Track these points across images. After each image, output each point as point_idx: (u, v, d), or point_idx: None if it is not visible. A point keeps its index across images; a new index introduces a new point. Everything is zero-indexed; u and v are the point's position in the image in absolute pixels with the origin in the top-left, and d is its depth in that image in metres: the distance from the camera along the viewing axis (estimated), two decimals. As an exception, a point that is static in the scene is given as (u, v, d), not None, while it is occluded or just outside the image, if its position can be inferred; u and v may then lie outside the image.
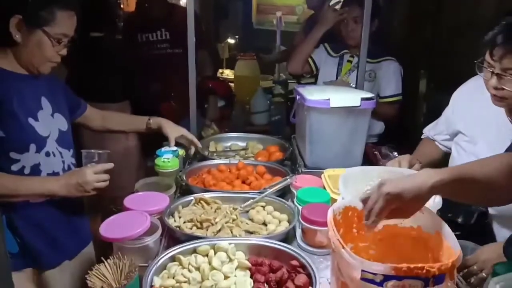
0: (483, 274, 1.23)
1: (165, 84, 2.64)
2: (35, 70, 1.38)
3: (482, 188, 1.01)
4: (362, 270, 0.86)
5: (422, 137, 1.78)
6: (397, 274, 0.85)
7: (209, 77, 2.96)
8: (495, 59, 1.20)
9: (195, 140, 1.84)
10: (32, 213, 1.39)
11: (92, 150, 1.45)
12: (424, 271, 0.85)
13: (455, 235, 1.22)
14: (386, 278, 0.86)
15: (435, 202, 1.19)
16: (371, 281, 0.87)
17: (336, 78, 2.42)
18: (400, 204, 0.94)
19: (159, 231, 1.26)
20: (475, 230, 1.40)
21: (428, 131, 1.75)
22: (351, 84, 2.27)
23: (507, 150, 1.30)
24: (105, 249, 1.26)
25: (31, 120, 1.36)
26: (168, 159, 1.63)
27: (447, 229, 1.02)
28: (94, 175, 1.36)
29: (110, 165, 1.42)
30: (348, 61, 2.41)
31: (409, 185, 0.93)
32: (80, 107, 1.67)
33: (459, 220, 1.42)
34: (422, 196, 0.95)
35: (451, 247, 0.97)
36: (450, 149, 1.64)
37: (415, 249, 1.09)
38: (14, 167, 1.34)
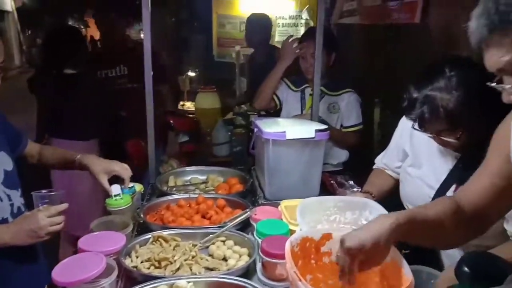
0: None
1: (130, 120, 2.63)
2: None
3: (433, 229, 1.04)
4: (319, 303, 0.87)
5: (374, 167, 1.81)
6: (353, 304, 0.86)
7: (170, 112, 2.97)
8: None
9: (126, 178, 1.64)
10: None
11: (43, 191, 1.39)
12: (379, 299, 0.87)
13: (405, 253, 1.27)
14: (342, 309, 0.87)
15: (388, 230, 1.23)
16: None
17: (301, 112, 2.51)
18: (366, 254, 0.94)
19: (115, 273, 1.21)
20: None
21: (380, 160, 1.78)
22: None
23: (445, 180, 1.37)
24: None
25: None
26: (119, 196, 1.58)
27: (400, 257, 1.05)
28: (47, 218, 1.28)
29: (64, 206, 1.35)
30: (310, 94, 2.49)
31: (368, 235, 0.93)
32: (22, 142, 1.57)
33: None
34: (384, 242, 0.94)
35: (405, 273, 1.00)
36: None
37: (372, 278, 1.11)
38: None
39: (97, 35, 4.68)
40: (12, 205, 1.39)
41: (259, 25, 3.32)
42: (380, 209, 1.34)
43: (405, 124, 1.60)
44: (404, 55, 2.64)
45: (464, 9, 2.17)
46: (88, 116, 2.61)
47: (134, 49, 2.83)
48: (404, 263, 1.03)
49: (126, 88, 2.90)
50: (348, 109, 2.45)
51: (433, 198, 1.43)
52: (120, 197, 1.57)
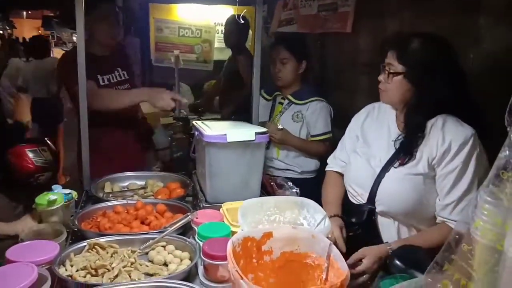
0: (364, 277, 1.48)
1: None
2: None
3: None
4: (260, 299, 0.89)
5: (327, 169, 1.91)
6: (292, 298, 0.89)
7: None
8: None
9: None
10: None
11: None
12: (316, 292, 0.90)
13: (351, 230, 1.63)
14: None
15: (324, 227, 1.28)
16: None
17: (269, 119, 2.51)
18: None
19: (49, 283, 1.15)
20: (366, 225, 1.62)
21: (332, 159, 1.89)
22: (279, 126, 2.38)
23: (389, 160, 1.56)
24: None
25: None
26: (51, 196, 1.50)
27: (336, 252, 1.09)
28: None
29: None
30: (280, 103, 2.51)
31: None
32: None
33: (353, 219, 1.65)
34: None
35: (340, 267, 1.04)
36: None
37: (310, 273, 1.15)
38: None
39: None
40: None
41: (237, 27, 3.32)
42: (317, 208, 1.40)
43: (355, 119, 1.78)
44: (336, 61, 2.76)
45: (388, 19, 2.36)
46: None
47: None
48: (339, 257, 1.07)
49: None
50: (313, 117, 2.41)
51: (378, 175, 1.58)
52: (52, 197, 1.49)
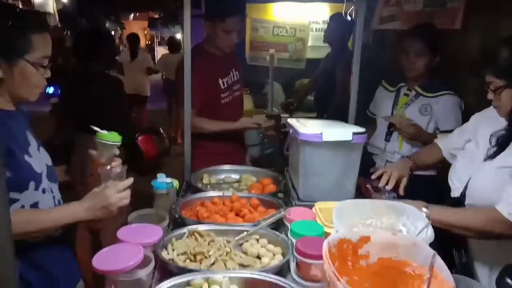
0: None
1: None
2: (24, 100, 1.35)
3: None
4: (358, 303, 0.87)
5: (435, 140, 1.95)
6: (392, 306, 0.85)
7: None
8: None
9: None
10: (31, 255, 1.35)
11: (108, 167, 1.42)
12: (418, 304, 0.85)
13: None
14: (382, 310, 0.86)
15: (427, 236, 1.21)
16: (367, 314, 0.87)
17: (392, 112, 2.40)
18: None
19: (152, 264, 1.24)
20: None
21: (440, 141, 1.91)
22: (409, 119, 2.27)
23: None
24: (97, 281, 1.24)
25: (26, 157, 1.33)
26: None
27: (440, 262, 1.02)
28: (116, 195, 1.34)
29: (130, 181, 1.40)
30: (405, 94, 2.38)
31: None
32: None
33: None
34: None
35: (444, 279, 0.98)
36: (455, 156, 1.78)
37: (410, 282, 1.09)
38: (14, 207, 1.29)
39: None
40: (54, 197, 1.44)
41: (343, 24, 3.33)
42: (417, 214, 1.32)
43: (474, 119, 1.75)
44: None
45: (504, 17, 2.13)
46: (106, 112, 2.68)
47: None
48: (444, 268, 1.01)
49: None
50: (444, 112, 2.26)
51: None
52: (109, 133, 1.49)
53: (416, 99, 2.31)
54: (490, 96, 1.51)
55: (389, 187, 1.76)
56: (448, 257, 1.47)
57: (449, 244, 1.59)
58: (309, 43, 4.62)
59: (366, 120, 2.50)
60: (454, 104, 2.26)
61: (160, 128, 2.55)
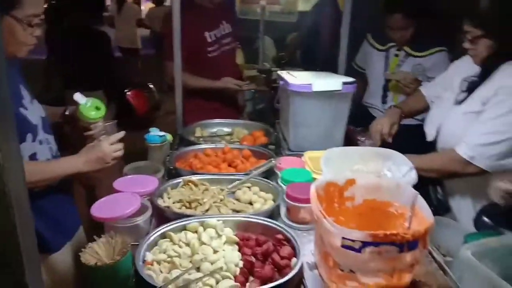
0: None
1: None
2: (12, 57, 1.32)
3: None
4: (342, 238, 0.93)
5: (419, 87, 2.00)
6: (374, 240, 0.91)
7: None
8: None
9: None
10: (33, 200, 1.39)
11: (100, 123, 1.48)
12: (399, 237, 0.91)
13: None
14: (365, 244, 0.92)
15: (411, 178, 1.27)
16: (351, 248, 0.93)
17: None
18: None
19: (149, 211, 1.30)
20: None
21: (423, 88, 1.95)
22: (412, 73, 2.25)
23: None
24: (94, 231, 1.29)
25: (22, 110, 1.34)
26: (89, 103, 1.48)
27: (421, 201, 1.09)
28: (111, 146, 1.40)
29: (122, 134, 1.47)
30: (395, 55, 2.34)
31: None
32: None
33: None
34: None
35: (425, 217, 1.04)
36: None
37: (392, 221, 1.16)
38: None
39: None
40: (50, 148, 1.47)
41: None
42: (403, 160, 1.38)
43: (452, 67, 1.81)
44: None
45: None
46: (96, 67, 2.67)
47: None
48: (425, 207, 1.06)
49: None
50: (436, 71, 2.13)
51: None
52: (89, 104, 1.48)
53: (406, 59, 2.31)
54: (466, 45, 1.55)
55: (389, 139, 1.79)
56: (423, 193, 1.58)
57: (425, 181, 1.64)
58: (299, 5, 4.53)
59: (352, 72, 2.49)
60: (445, 60, 2.24)
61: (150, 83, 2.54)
